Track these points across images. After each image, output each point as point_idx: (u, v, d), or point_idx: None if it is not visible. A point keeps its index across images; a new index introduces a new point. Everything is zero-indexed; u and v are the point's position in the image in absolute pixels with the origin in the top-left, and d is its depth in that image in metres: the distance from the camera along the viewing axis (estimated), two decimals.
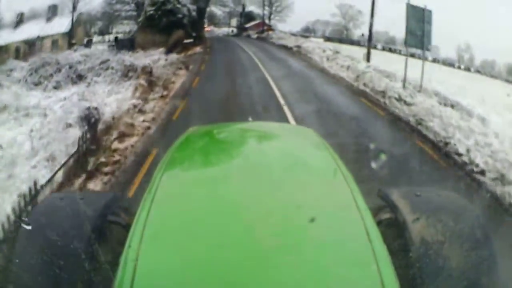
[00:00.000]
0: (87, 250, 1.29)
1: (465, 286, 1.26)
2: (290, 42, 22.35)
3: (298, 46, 20.78)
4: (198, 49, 20.82)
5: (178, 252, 1.12)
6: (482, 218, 1.46)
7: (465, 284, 1.26)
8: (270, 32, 26.33)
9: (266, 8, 26.19)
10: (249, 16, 26.92)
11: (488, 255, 1.34)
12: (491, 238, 1.39)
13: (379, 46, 24.80)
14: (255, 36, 26.45)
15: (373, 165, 3.44)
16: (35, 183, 4.18)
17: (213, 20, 28.13)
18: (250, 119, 3.25)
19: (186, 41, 20.69)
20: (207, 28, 30.80)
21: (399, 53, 23.35)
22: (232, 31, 27.61)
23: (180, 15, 19.63)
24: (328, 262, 1.09)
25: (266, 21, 26.39)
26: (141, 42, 19.52)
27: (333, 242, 1.16)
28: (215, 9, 27.15)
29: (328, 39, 24.94)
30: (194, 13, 20.45)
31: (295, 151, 1.87)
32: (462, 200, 1.57)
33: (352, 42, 24.46)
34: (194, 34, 21.28)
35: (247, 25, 27.37)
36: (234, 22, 27.89)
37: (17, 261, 1.34)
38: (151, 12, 19.28)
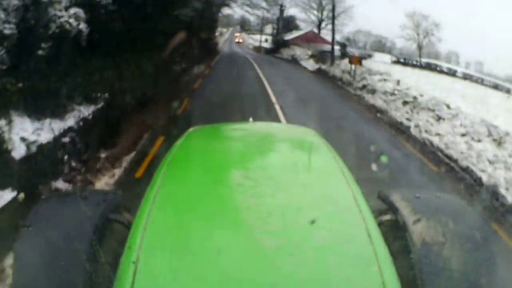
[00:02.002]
0: (88, 250, 1.30)
1: (465, 287, 1.31)
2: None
3: None
4: (104, 179, 4.45)
5: (178, 254, 1.13)
6: (482, 220, 1.55)
7: (465, 284, 1.31)
8: (361, 69, 11.81)
9: (314, 12, 18.66)
10: (289, 23, 18.92)
11: (487, 256, 1.39)
12: (491, 239, 1.44)
13: (459, 73, 19.44)
14: (310, 65, 16.33)
15: None
16: None
17: (245, 27, 22.21)
18: (251, 119, 2.90)
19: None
20: (238, 39, 24.35)
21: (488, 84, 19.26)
22: (266, 40, 20.01)
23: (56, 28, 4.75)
24: (329, 263, 1.12)
25: (315, 30, 18.71)
26: None
27: (335, 243, 1.20)
28: (243, 12, 20.10)
29: (397, 61, 18.58)
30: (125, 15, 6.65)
31: (296, 152, 2.00)
32: (462, 202, 1.67)
33: (429, 66, 18.48)
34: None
35: (289, 37, 19.01)
36: (268, 29, 20.36)
37: (17, 261, 1.34)
38: None
